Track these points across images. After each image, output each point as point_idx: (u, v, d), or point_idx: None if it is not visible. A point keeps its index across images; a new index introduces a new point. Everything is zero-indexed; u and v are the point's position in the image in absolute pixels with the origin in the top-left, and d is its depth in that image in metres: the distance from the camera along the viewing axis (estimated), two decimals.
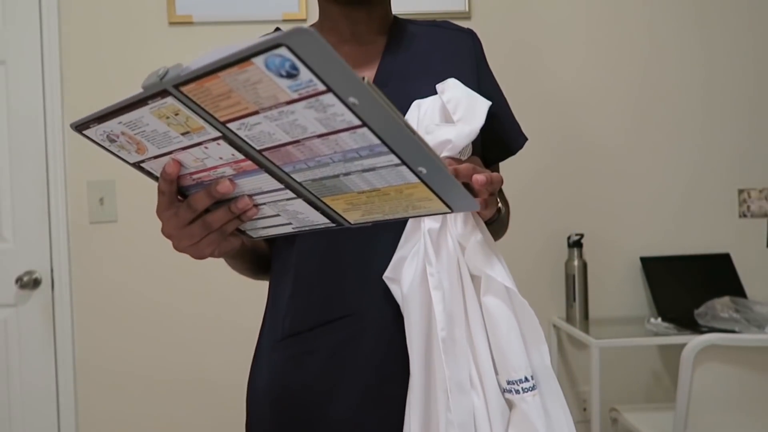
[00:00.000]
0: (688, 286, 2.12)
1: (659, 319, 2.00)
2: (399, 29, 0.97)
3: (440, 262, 0.69)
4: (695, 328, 1.90)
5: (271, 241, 0.98)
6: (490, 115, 0.80)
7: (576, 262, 2.11)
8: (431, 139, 0.71)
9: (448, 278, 0.69)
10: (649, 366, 2.23)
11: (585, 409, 2.21)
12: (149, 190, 2.13)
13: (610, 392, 2.20)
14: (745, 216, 2.24)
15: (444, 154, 0.70)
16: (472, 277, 0.70)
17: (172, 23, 2.12)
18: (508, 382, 0.68)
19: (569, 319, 2.12)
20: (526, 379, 0.67)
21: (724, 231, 2.23)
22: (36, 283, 2.10)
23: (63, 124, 2.11)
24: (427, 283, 0.69)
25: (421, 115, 0.75)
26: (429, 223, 0.71)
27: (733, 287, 2.11)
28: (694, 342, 1.50)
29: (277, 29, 0.96)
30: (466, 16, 2.15)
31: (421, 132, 0.72)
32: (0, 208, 2.10)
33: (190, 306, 2.13)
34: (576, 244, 2.12)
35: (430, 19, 1.02)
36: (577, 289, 2.11)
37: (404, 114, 0.81)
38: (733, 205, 2.24)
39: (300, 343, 0.88)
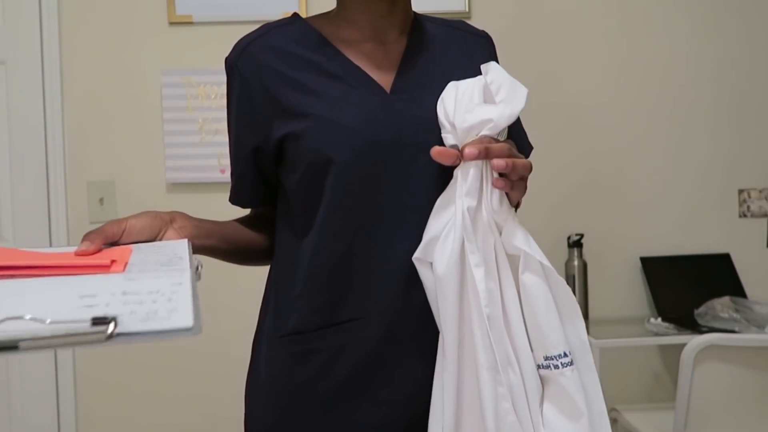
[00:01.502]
0: (688, 286, 2.12)
1: (659, 319, 1.99)
2: (419, 30, 0.95)
3: (479, 241, 0.69)
4: (695, 328, 1.90)
5: (268, 231, 0.98)
6: None
7: (576, 262, 2.11)
8: (472, 117, 0.71)
9: (485, 257, 0.70)
10: (649, 366, 2.23)
11: None
12: (149, 190, 2.13)
13: (610, 392, 2.19)
14: (745, 216, 2.24)
15: (484, 132, 0.71)
16: (508, 256, 0.72)
17: (172, 23, 2.12)
18: (546, 358, 0.70)
19: None
20: (565, 355, 0.69)
21: (724, 231, 2.22)
22: None
23: (63, 124, 2.11)
24: (465, 261, 0.69)
25: (459, 94, 0.75)
26: (467, 201, 0.72)
27: (733, 287, 2.11)
28: (694, 342, 1.49)
29: (295, 14, 0.94)
30: (466, 16, 2.15)
31: (461, 110, 0.73)
32: (0, 208, 2.10)
33: None
34: (576, 244, 2.11)
35: (447, 19, 1.01)
36: (577, 289, 2.11)
37: (431, 105, 0.83)
38: (733, 205, 2.24)
39: (304, 342, 0.88)
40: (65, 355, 2.10)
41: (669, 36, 2.21)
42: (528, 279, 0.70)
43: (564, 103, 2.20)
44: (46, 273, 0.68)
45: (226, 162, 2.19)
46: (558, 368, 0.69)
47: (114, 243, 0.75)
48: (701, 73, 2.22)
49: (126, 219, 0.78)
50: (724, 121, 2.23)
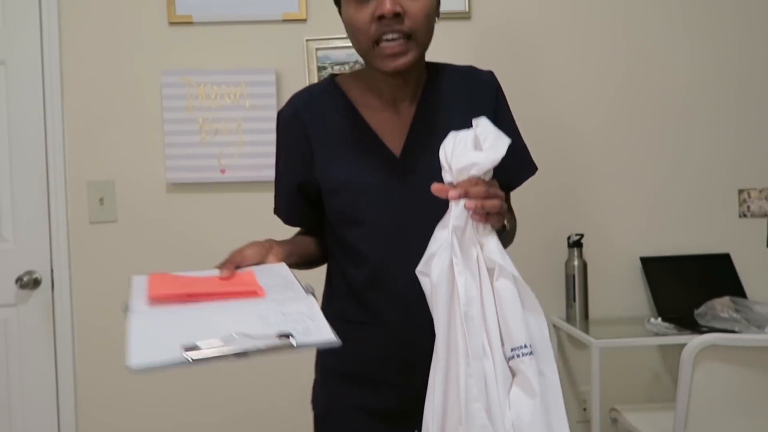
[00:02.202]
0: (688, 286, 2.12)
1: (659, 319, 1.99)
2: (428, 96, 1.16)
3: (463, 255, 0.88)
4: (695, 328, 1.90)
5: (321, 242, 1.25)
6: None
7: (576, 262, 2.11)
8: (464, 160, 0.90)
9: (468, 268, 0.88)
10: (649, 366, 2.23)
11: (585, 409, 2.21)
12: (149, 190, 2.13)
13: (610, 392, 2.19)
14: (745, 216, 2.24)
15: (472, 172, 0.90)
16: (487, 269, 0.89)
17: (172, 23, 2.12)
18: (512, 349, 0.86)
19: (569, 319, 2.12)
20: (525, 346, 0.86)
21: (724, 231, 2.22)
22: (36, 283, 2.10)
23: (63, 124, 2.11)
24: (453, 271, 0.87)
25: (456, 142, 0.93)
26: (456, 224, 0.90)
27: (733, 287, 2.11)
28: (694, 342, 1.49)
29: (332, 78, 1.21)
30: (466, 16, 2.15)
31: (456, 154, 0.91)
32: (0, 208, 2.10)
33: None
34: (576, 244, 2.11)
35: (458, 67, 1.20)
36: (577, 289, 2.11)
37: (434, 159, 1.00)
38: (733, 205, 2.24)
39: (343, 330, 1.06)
40: (65, 355, 2.10)
41: (670, 36, 2.21)
42: (500, 284, 0.88)
43: (564, 103, 2.20)
44: (218, 298, 0.89)
45: (226, 162, 2.21)
46: (520, 357, 0.86)
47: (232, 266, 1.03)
48: (702, 74, 2.22)
49: (243, 250, 1.05)
50: (724, 122, 2.23)
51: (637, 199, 2.22)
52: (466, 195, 0.90)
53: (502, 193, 0.94)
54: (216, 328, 0.79)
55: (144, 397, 2.14)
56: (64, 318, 2.11)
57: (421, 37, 1.07)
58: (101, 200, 2.12)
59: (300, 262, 1.18)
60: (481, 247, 0.90)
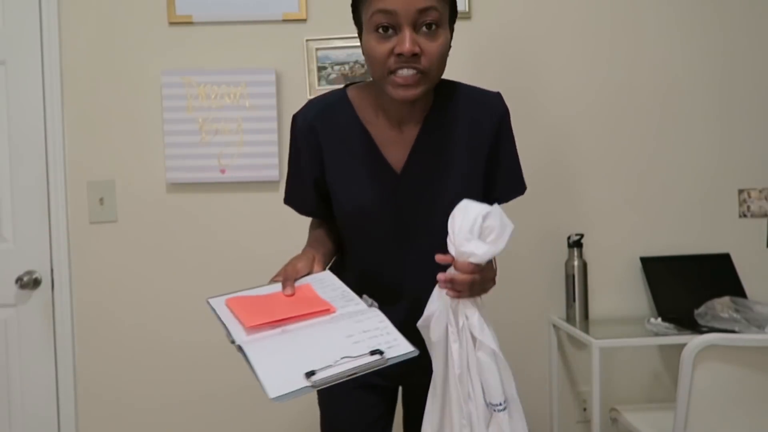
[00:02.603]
0: (688, 286, 2.12)
1: (659, 319, 1.99)
2: (434, 116, 1.22)
3: (457, 325, 1.05)
4: (695, 328, 1.90)
5: (336, 234, 1.33)
6: (498, 168, 1.27)
7: (576, 262, 2.11)
8: (466, 247, 1.03)
9: (460, 336, 1.06)
10: (649, 366, 2.23)
11: (585, 409, 2.21)
12: (149, 190, 2.13)
13: (610, 392, 2.19)
14: (745, 216, 2.24)
15: (470, 260, 1.03)
16: (471, 335, 1.06)
17: (172, 23, 2.12)
18: (490, 404, 1.06)
19: (569, 319, 2.12)
20: (500, 404, 1.05)
21: (724, 231, 2.22)
22: (36, 283, 2.10)
23: (63, 124, 2.11)
24: (448, 337, 1.06)
25: (466, 221, 1.05)
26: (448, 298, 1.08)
27: (733, 287, 2.11)
28: (694, 342, 1.49)
29: (345, 91, 1.27)
30: (467, 16, 2.15)
31: (461, 237, 1.04)
32: (0, 208, 2.10)
33: (190, 305, 2.13)
34: (576, 244, 2.11)
35: (467, 89, 1.26)
36: (577, 289, 2.11)
37: (422, 204, 1.23)
38: (733, 205, 2.24)
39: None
40: (65, 355, 2.10)
41: (670, 36, 2.21)
42: (480, 355, 1.05)
43: (564, 103, 2.20)
44: (300, 319, 1.01)
45: (226, 162, 2.20)
46: (496, 411, 1.05)
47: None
48: (702, 74, 2.22)
49: (294, 264, 1.16)
50: (724, 122, 2.23)
51: (637, 199, 2.22)
52: (451, 283, 1.04)
53: (491, 274, 1.10)
54: (320, 353, 0.92)
55: (144, 397, 2.14)
56: (64, 318, 2.11)
57: (434, 73, 1.14)
58: (101, 200, 2.12)
59: (329, 261, 1.30)
60: (467, 318, 1.06)
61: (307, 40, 2.12)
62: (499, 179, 1.28)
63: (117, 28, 2.12)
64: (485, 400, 1.06)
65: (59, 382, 2.11)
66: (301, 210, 1.35)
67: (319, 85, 2.13)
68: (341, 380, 0.89)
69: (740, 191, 2.23)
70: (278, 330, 0.99)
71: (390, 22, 1.08)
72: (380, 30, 1.09)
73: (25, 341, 2.11)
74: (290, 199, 1.35)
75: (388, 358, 0.91)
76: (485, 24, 2.18)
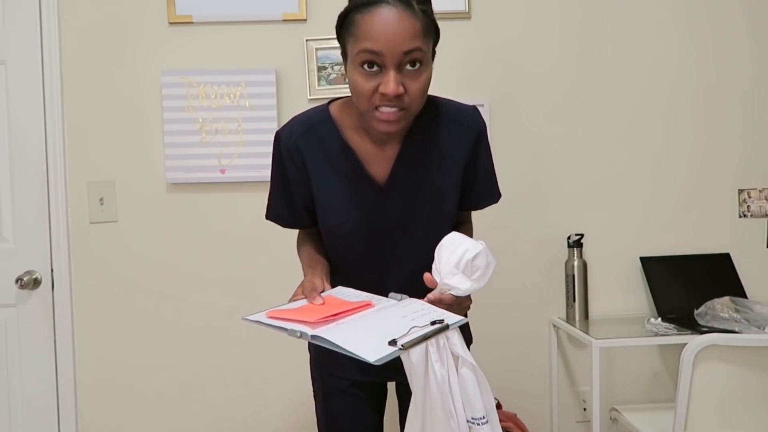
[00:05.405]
0: (688, 286, 2.12)
1: (659, 319, 2.00)
2: (414, 134, 1.26)
3: (437, 345, 1.07)
4: (695, 328, 1.90)
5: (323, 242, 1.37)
6: (475, 179, 1.31)
7: (576, 262, 2.11)
8: (450, 280, 1.10)
9: (441, 356, 1.08)
10: (649, 366, 2.23)
11: (585, 409, 2.21)
12: (149, 190, 2.13)
13: (610, 392, 2.20)
14: (745, 216, 2.24)
15: (452, 291, 1.11)
16: (452, 353, 1.09)
17: (172, 23, 2.12)
18: (472, 419, 1.09)
19: (569, 318, 2.12)
20: (482, 417, 1.08)
21: (724, 231, 2.22)
22: (36, 283, 2.10)
23: (63, 124, 2.11)
24: (429, 357, 1.07)
25: (454, 256, 1.12)
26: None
27: (733, 287, 2.11)
28: (694, 342, 1.49)
29: (329, 108, 1.29)
30: (466, 16, 2.15)
31: (446, 270, 1.12)
32: (0, 208, 2.10)
33: (190, 305, 2.13)
34: (576, 244, 2.12)
35: (446, 104, 1.29)
36: (576, 289, 2.11)
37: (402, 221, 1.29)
38: (733, 205, 2.24)
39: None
40: (65, 355, 2.10)
41: (671, 36, 2.21)
42: (463, 372, 1.08)
43: (564, 103, 2.20)
44: (350, 314, 1.07)
45: (226, 162, 2.20)
46: (478, 425, 1.08)
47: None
48: (702, 74, 2.22)
49: (312, 281, 1.19)
50: (723, 122, 2.23)
51: (637, 199, 2.22)
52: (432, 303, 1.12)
53: (468, 302, 1.15)
54: (389, 329, 0.99)
55: (144, 397, 2.14)
56: (64, 318, 2.11)
57: (416, 108, 1.17)
58: (101, 200, 2.12)
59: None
60: (447, 339, 1.10)
61: (307, 40, 2.12)
62: (475, 189, 1.33)
63: (117, 28, 2.12)
64: (467, 417, 1.10)
65: (59, 382, 2.11)
66: (287, 224, 1.37)
67: (319, 85, 2.13)
68: (422, 342, 0.99)
69: (740, 191, 2.23)
70: (334, 324, 1.03)
71: (376, 61, 1.10)
72: (365, 66, 1.11)
73: (25, 341, 2.11)
74: (274, 214, 1.37)
75: (450, 324, 1.02)
76: (485, 24, 2.18)
